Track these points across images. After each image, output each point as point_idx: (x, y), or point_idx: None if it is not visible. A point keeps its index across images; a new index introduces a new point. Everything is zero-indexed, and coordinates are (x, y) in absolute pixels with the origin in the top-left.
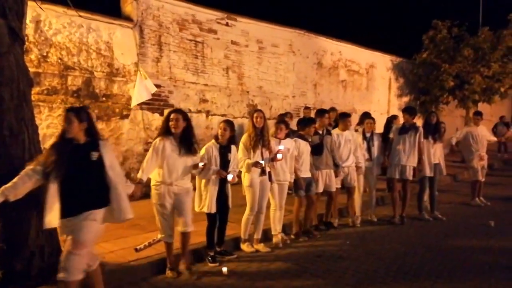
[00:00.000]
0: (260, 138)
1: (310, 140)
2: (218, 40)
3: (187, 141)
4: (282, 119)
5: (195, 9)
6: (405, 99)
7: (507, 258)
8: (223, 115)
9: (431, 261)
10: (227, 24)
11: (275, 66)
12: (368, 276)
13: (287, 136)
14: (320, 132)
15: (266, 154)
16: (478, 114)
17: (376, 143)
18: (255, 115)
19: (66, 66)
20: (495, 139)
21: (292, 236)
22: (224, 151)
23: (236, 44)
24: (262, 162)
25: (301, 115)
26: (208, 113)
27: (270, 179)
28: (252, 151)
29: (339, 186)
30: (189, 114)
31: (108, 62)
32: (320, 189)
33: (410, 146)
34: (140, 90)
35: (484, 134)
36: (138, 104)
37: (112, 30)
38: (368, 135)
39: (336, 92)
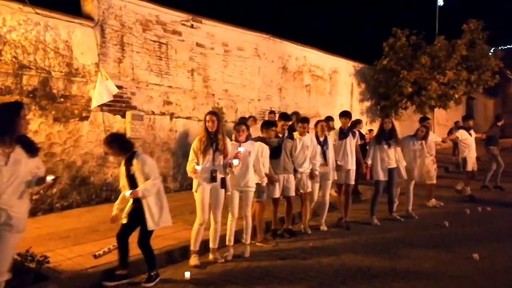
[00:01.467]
0: (212, 142)
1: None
2: (183, 42)
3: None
4: (242, 121)
5: (159, 10)
6: (367, 103)
7: (460, 256)
8: (187, 118)
9: (389, 261)
10: (192, 26)
11: (241, 70)
12: (330, 276)
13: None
14: (281, 135)
15: (220, 159)
16: (425, 119)
17: (330, 147)
18: (206, 118)
19: (21, 65)
20: (439, 139)
21: (258, 244)
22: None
23: (201, 46)
24: (236, 161)
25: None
26: (172, 115)
27: (223, 186)
28: (202, 155)
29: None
30: (152, 117)
31: (66, 61)
32: (277, 194)
33: (351, 150)
34: (100, 91)
35: (431, 138)
36: (98, 106)
37: (72, 29)
38: (321, 139)
39: (301, 96)
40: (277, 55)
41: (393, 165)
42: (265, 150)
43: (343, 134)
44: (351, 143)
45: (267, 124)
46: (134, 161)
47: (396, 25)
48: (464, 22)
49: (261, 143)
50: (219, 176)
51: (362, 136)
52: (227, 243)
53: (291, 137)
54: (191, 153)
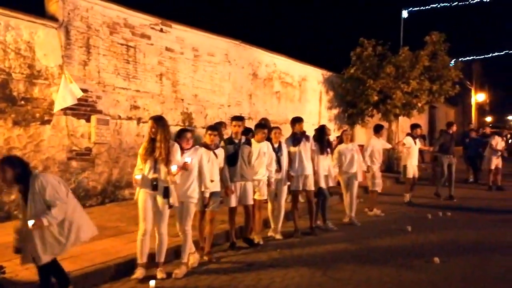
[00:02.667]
0: (155, 149)
1: (212, 148)
2: (152, 46)
3: None
4: (187, 128)
5: (128, 13)
6: (335, 111)
7: (422, 260)
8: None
9: (354, 266)
10: (161, 30)
11: (211, 75)
12: (295, 282)
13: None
14: (236, 141)
15: (162, 167)
16: (381, 127)
17: (284, 153)
18: (149, 123)
19: None
20: (390, 146)
21: (205, 258)
22: None
23: (170, 50)
24: (174, 168)
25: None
26: (139, 120)
27: (165, 195)
28: (144, 162)
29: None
30: (118, 121)
31: (28, 63)
32: (233, 203)
33: (306, 155)
34: (64, 95)
35: (379, 146)
36: (62, 109)
37: (34, 30)
38: (276, 145)
39: (271, 103)
40: (248, 61)
41: (327, 172)
42: (211, 156)
43: (297, 140)
44: (306, 148)
45: (209, 129)
46: (33, 186)
47: (363, 36)
48: (427, 34)
49: (203, 149)
50: (162, 185)
51: (329, 144)
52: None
53: (248, 143)
54: (138, 159)
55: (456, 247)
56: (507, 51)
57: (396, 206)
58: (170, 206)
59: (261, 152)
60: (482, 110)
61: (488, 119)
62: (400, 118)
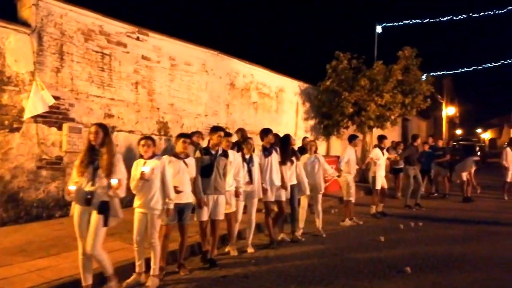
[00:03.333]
0: (94, 159)
1: (182, 157)
2: (128, 54)
3: None
4: (146, 136)
5: (103, 20)
6: (311, 122)
7: (394, 270)
8: (130, 132)
9: (328, 276)
10: (138, 39)
11: (188, 84)
12: None
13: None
14: (213, 152)
15: (102, 179)
16: (356, 137)
17: (256, 165)
18: (90, 129)
19: None
20: (357, 167)
21: (181, 273)
22: None
23: (147, 59)
24: (115, 181)
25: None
26: (113, 129)
27: (101, 211)
28: (78, 173)
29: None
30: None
31: None
32: (204, 216)
33: (276, 167)
34: (35, 102)
35: (354, 156)
36: (32, 117)
37: (5, 35)
38: (247, 156)
39: (248, 113)
40: (225, 71)
41: (294, 181)
42: (181, 166)
43: (267, 152)
44: (276, 160)
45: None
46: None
47: (339, 49)
48: (400, 49)
49: (172, 158)
50: (99, 199)
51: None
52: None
53: (225, 154)
54: (73, 171)
55: (427, 257)
56: (475, 67)
57: (369, 217)
58: (106, 224)
59: (227, 161)
60: (452, 123)
61: (458, 131)
62: (374, 130)
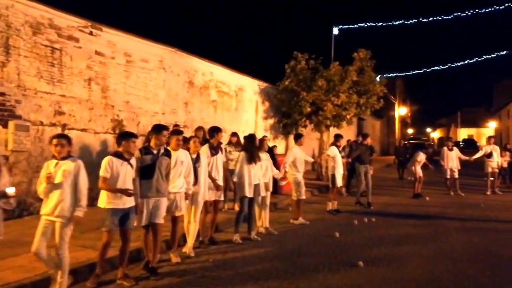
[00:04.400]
0: None
1: (127, 158)
2: (80, 49)
3: None
4: (60, 134)
5: (53, 13)
6: (270, 121)
7: (348, 264)
8: (82, 130)
9: (284, 273)
10: (91, 33)
11: (144, 82)
12: None
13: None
14: (155, 151)
15: None
16: (301, 135)
17: (203, 164)
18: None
19: None
20: (311, 159)
21: (118, 282)
22: None
23: (101, 55)
24: (11, 190)
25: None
26: (64, 126)
27: None
28: None
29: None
30: (40, 127)
31: None
32: (143, 221)
33: (220, 166)
34: None
35: (301, 155)
36: None
37: None
38: (194, 156)
39: (207, 111)
40: (183, 69)
41: (257, 181)
42: (127, 168)
43: (214, 150)
44: (221, 159)
45: (175, 133)
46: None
47: (298, 49)
48: (355, 51)
49: (114, 158)
50: None
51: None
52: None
53: (167, 154)
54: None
55: (379, 252)
56: (425, 69)
57: (325, 214)
58: None
59: (178, 161)
60: (404, 122)
61: (410, 131)
62: (331, 129)
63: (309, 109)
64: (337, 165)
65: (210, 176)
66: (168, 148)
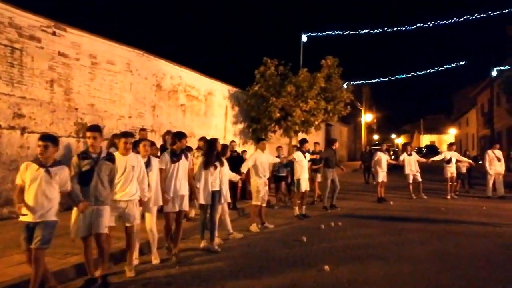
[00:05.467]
0: None
1: (45, 164)
2: (42, 50)
3: None
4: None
5: (14, 12)
6: (240, 126)
7: (315, 268)
8: (43, 133)
9: (252, 277)
10: (54, 34)
11: (110, 84)
12: None
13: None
14: (94, 155)
15: None
16: (262, 140)
17: (155, 170)
18: None
19: None
20: (277, 160)
21: None
22: None
23: (64, 56)
24: None
25: (138, 137)
26: (24, 130)
27: None
28: None
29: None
30: None
31: None
32: (81, 232)
33: (184, 174)
34: None
35: (267, 159)
36: None
37: None
38: (144, 160)
39: (176, 115)
40: (151, 72)
41: (217, 187)
42: (42, 174)
43: (176, 157)
44: (185, 166)
45: (123, 135)
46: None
47: (267, 55)
48: (323, 58)
49: (35, 165)
50: None
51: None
52: None
53: (109, 158)
54: None
55: (345, 255)
56: (390, 77)
57: (293, 219)
58: None
59: (128, 166)
60: (370, 128)
61: (376, 137)
62: (300, 134)
63: (278, 115)
64: (302, 170)
65: (162, 187)
66: (117, 152)
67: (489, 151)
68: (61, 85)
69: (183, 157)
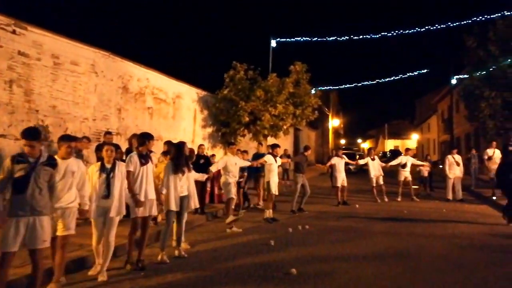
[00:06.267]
0: None
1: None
2: (1, 48)
3: None
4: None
5: None
6: (209, 130)
7: (281, 272)
8: (1, 136)
9: (219, 282)
10: (14, 32)
11: (74, 86)
12: None
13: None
14: (31, 160)
15: None
16: (232, 144)
17: (120, 176)
18: None
19: None
20: (248, 163)
21: None
22: None
23: (24, 55)
24: None
25: (102, 140)
26: None
27: None
28: None
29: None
30: None
31: None
32: (13, 246)
33: (151, 177)
34: None
35: (236, 162)
36: None
37: None
38: (108, 166)
39: (142, 118)
40: (117, 74)
41: (185, 192)
42: None
43: (144, 159)
44: (152, 169)
45: (64, 138)
46: None
47: (237, 59)
48: (292, 64)
49: None
50: None
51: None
52: None
53: (50, 163)
54: None
55: (311, 258)
56: (356, 84)
57: (261, 222)
58: None
59: (67, 171)
60: (337, 133)
61: (343, 141)
62: (269, 138)
63: (247, 119)
64: (272, 173)
65: (130, 189)
66: (57, 156)
67: (449, 156)
68: (20, 86)
69: (150, 160)
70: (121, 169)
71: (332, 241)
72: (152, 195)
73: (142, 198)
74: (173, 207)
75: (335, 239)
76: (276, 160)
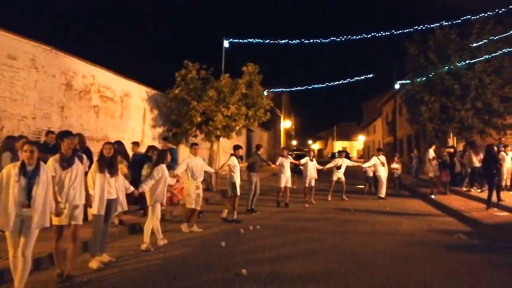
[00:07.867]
0: None
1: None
2: None
3: None
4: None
5: None
6: (159, 130)
7: (232, 272)
8: None
9: (168, 284)
10: None
11: (11, 81)
12: None
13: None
14: None
15: None
16: (195, 144)
17: (43, 180)
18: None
19: None
20: (212, 170)
21: None
22: None
23: None
24: None
25: (43, 140)
26: None
27: None
28: None
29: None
30: None
31: None
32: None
33: (80, 180)
34: None
35: (201, 163)
36: None
37: None
38: (30, 168)
39: (87, 117)
40: (60, 70)
41: (114, 195)
42: None
43: (67, 162)
44: (79, 171)
45: (64, 135)
46: None
47: (189, 59)
48: (244, 65)
49: None
50: None
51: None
52: None
53: None
54: None
55: (261, 258)
56: (306, 86)
57: (215, 223)
58: None
59: None
60: (289, 134)
61: (294, 142)
62: (221, 139)
63: (199, 119)
64: (236, 174)
65: (54, 196)
66: None
67: (375, 157)
68: None
69: (77, 161)
70: (46, 172)
71: (282, 240)
72: (78, 200)
73: (62, 205)
74: (95, 210)
75: (285, 239)
76: (239, 162)
